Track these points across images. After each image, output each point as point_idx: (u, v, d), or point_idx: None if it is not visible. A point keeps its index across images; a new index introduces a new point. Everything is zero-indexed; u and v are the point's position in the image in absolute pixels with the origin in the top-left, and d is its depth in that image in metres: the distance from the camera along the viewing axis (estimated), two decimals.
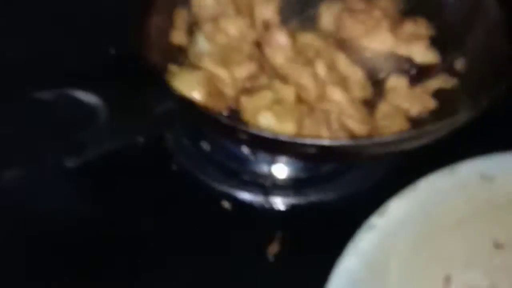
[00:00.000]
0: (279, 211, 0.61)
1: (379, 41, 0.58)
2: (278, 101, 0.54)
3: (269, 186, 0.61)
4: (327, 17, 0.61)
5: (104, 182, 0.61)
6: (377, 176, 0.60)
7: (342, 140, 0.48)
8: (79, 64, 0.65)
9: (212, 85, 0.56)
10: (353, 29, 0.58)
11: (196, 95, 0.54)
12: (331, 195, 0.62)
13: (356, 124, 0.52)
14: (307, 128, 0.52)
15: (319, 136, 0.51)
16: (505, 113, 0.55)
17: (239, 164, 0.63)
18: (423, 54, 0.58)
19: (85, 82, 0.52)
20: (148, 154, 0.62)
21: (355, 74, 0.56)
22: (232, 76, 0.56)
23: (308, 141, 0.46)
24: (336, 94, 0.53)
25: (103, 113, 0.50)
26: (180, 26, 0.63)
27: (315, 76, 0.55)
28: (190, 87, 0.54)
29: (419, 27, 0.59)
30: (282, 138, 0.47)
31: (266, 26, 0.60)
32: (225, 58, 0.57)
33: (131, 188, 0.61)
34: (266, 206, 0.61)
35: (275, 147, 0.48)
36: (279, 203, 0.62)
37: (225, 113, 0.56)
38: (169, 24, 0.63)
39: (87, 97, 0.51)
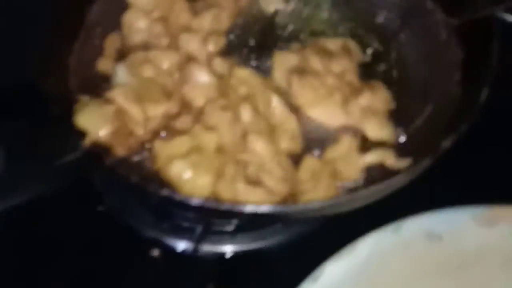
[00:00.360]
0: (212, 260, 0.56)
1: (328, 116, 0.52)
2: (196, 149, 0.48)
3: (202, 232, 0.56)
4: (279, 71, 0.54)
5: (20, 228, 0.55)
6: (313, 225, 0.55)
7: (251, 205, 0.42)
8: None
9: (121, 122, 0.50)
10: (301, 94, 0.52)
11: (101, 132, 0.48)
12: (268, 243, 0.57)
13: (275, 183, 0.46)
14: (224, 182, 0.46)
15: (234, 192, 0.45)
16: (451, 165, 0.50)
17: (170, 207, 0.57)
18: (377, 131, 0.52)
19: None
20: (71, 193, 0.56)
21: (289, 124, 0.50)
22: (145, 114, 0.50)
23: (215, 204, 0.41)
24: (258, 145, 0.48)
25: None
26: (109, 52, 0.57)
27: (236, 121, 0.49)
28: (95, 123, 0.48)
29: (376, 99, 0.52)
30: (193, 201, 0.42)
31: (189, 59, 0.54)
32: (141, 94, 0.51)
33: (51, 233, 0.56)
34: (199, 254, 0.56)
35: (186, 208, 0.43)
36: (212, 251, 0.56)
37: (135, 154, 0.51)
38: (99, 50, 0.57)
39: None
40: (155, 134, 0.51)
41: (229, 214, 0.44)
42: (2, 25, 0.55)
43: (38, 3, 0.51)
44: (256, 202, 0.45)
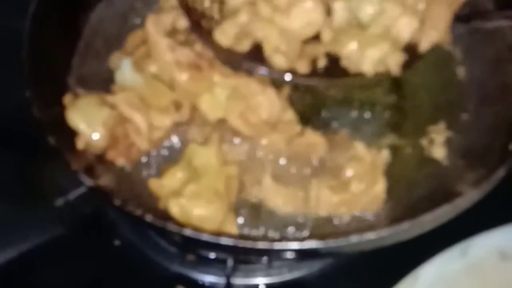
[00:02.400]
0: None
1: None
2: (191, 177, 0.42)
3: (234, 264, 0.49)
4: None
5: (33, 273, 0.49)
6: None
7: (291, 243, 0.35)
8: None
9: (122, 130, 0.44)
10: None
11: (95, 135, 0.43)
12: (306, 272, 0.50)
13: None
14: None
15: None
16: None
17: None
18: None
19: None
20: (82, 227, 0.50)
21: None
22: (150, 124, 0.44)
23: (250, 244, 0.34)
24: None
25: None
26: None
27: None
28: (89, 122, 0.43)
29: None
30: (221, 241, 0.35)
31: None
32: (147, 99, 0.45)
33: (65, 274, 0.50)
34: None
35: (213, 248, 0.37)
36: (244, 284, 0.50)
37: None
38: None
39: None
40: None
41: (264, 252, 0.37)
42: None
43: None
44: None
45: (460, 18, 0.44)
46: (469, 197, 0.37)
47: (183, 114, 0.46)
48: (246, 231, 0.44)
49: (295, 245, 0.34)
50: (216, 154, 0.44)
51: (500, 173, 0.38)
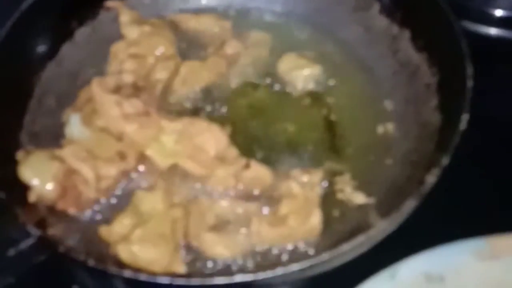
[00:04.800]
0: None
1: None
2: (139, 222, 0.45)
3: None
4: None
5: None
6: None
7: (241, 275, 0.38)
8: None
9: (71, 181, 0.47)
10: None
11: (47, 187, 0.46)
12: None
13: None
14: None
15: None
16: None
17: None
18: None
19: None
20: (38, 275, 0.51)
21: None
22: (97, 174, 0.47)
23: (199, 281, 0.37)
24: None
25: None
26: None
27: None
28: (40, 176, 0.46)
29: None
30: (161, 280, 0.37)
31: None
32: (94, 151, 0.48)
33: None
34: None
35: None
36: None
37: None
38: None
39: None
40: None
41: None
42: None
43: None
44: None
45: None
46: (380, 228, 0.41)
47: (128, 163, 0.49)
48: (199, 265, 0.46)
49: (224, 280, 0.37)
50: (162, 198, 0.47)
51: (410, 203, 0.41)
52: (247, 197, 0.49)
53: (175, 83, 0.55)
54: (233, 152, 0.50)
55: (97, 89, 0.50)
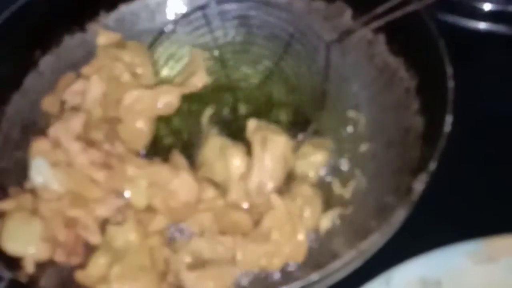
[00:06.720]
0: None
1: None
2: (115, 259, 0.43)
3: None
4: None
5: None
6: None
7: None
8: None
9: (70, 231, 0.45)
10: None
11: (38, 251, 0.44)
12: None
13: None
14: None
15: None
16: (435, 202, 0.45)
17: None
18: None
19: None
20: None
21: None
22: (92, 215, 0.45)
23: None
24: None
25: None
26: None
27: None
28: (25, 244, 0.44)
29: None
30: None
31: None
32: (79, 193, 0.46)
33: None
34: None
35: None
36: None
37: None
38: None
39: None
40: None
41: None
42: None
43: None
44: None
45: None
46: (370, 241, 0.40)
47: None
48: None
49: None
50: (135, 229, 0.45)
51: (400, 213, 0.40)
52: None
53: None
54: (211, 193, 0.48)
55: (62, 135, 0.48)
